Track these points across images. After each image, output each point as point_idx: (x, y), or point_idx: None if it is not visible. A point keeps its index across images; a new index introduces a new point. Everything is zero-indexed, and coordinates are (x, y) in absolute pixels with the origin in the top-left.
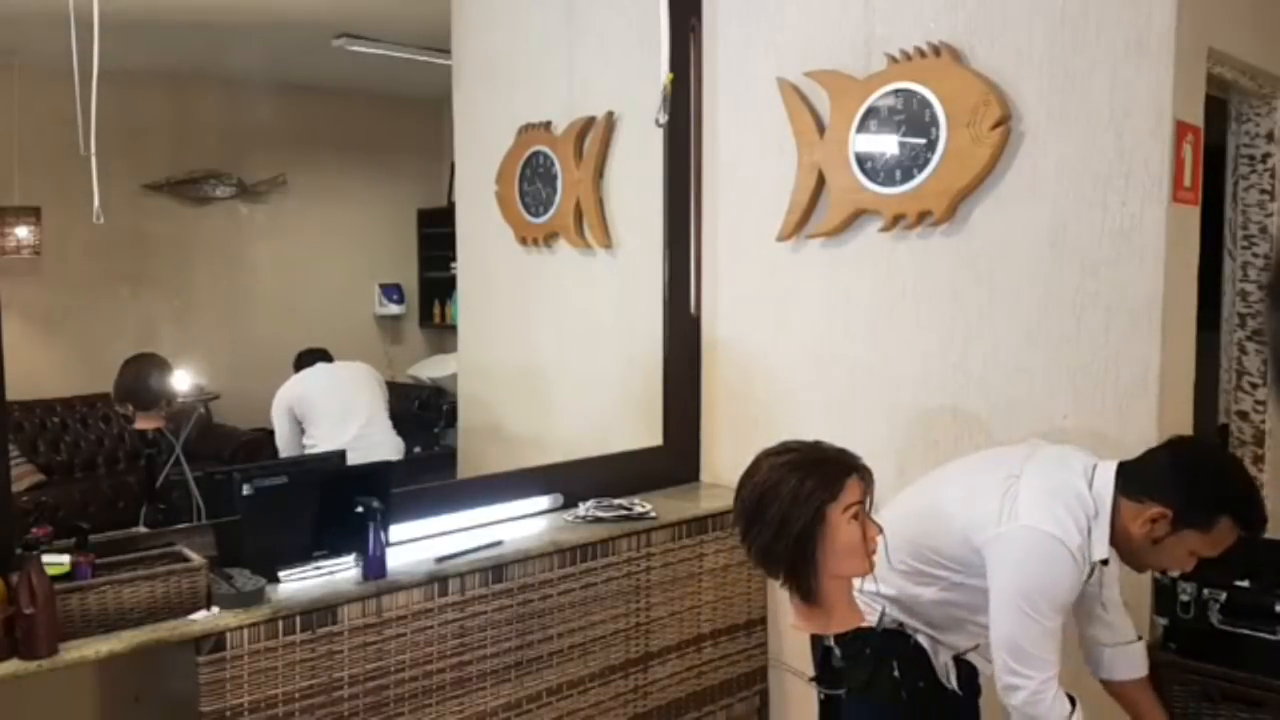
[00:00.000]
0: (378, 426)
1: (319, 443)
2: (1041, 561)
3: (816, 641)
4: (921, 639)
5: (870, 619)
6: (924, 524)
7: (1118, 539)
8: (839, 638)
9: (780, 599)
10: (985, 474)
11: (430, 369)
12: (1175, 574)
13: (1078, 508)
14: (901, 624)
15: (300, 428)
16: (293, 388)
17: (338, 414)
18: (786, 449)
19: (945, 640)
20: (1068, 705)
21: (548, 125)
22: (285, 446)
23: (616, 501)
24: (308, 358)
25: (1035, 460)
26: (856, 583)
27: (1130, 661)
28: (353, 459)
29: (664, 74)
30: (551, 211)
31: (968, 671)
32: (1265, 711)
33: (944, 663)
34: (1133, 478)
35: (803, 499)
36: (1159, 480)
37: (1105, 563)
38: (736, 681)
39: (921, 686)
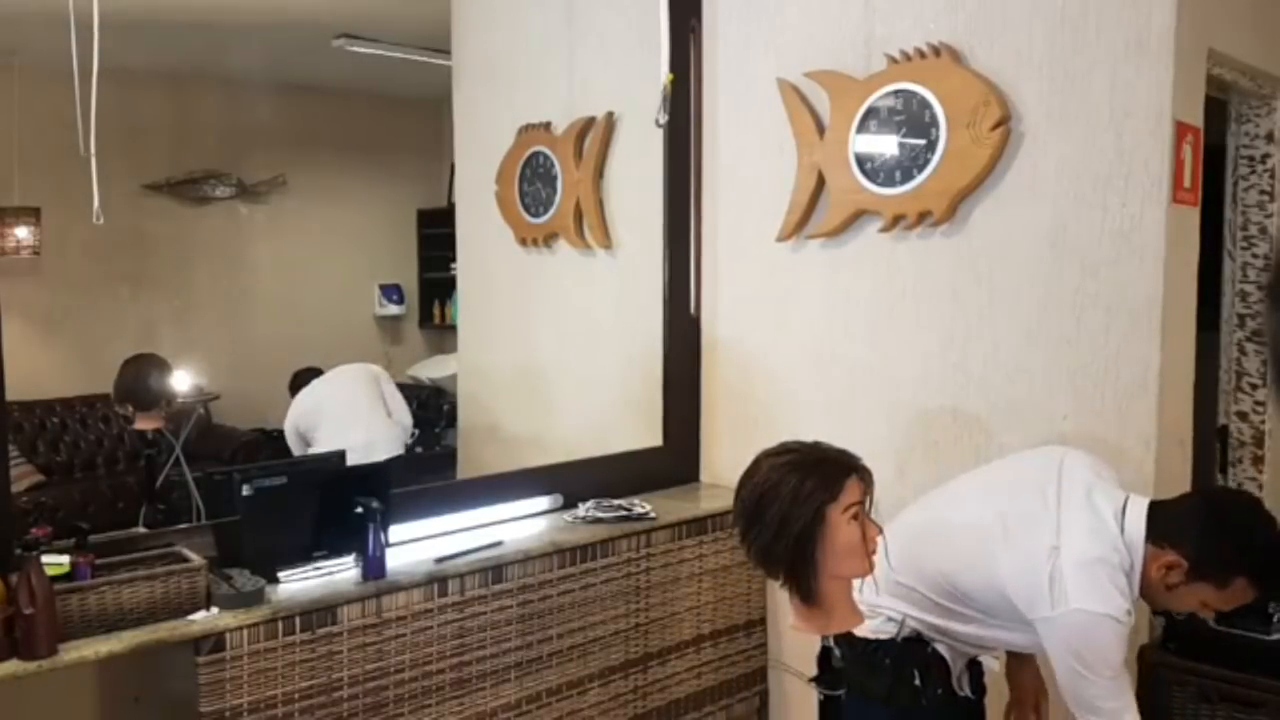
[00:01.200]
0: (378, 426)
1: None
2: (1098, 639)
3: None
4: (941, 647)
5: (889, 630)
6: (944, 562)
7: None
8: (840, 638)
9: (780, 599)
10: (1015, 528)
11: (430, 369)
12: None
13: (1118, 572)
14: (920, 633)
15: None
16: (295, 409)
17: (337, 423)
18: (786, 449)
19: (965, 650)
20: None
21: (548, 125)
22: None
23: (616, 502)
24: (304, 376)
25: (1069, 515)
26: (880, 600)
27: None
28: (360, 460)
29: (664, 74)
30: (551, 212)
31: (976, 672)
32: (1263, 712)
33: (959, 669)
34: (1159, 520)
35: (803, 499)
36: (1182, 529)
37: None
38: (736, 682)
39: (940, 693)
